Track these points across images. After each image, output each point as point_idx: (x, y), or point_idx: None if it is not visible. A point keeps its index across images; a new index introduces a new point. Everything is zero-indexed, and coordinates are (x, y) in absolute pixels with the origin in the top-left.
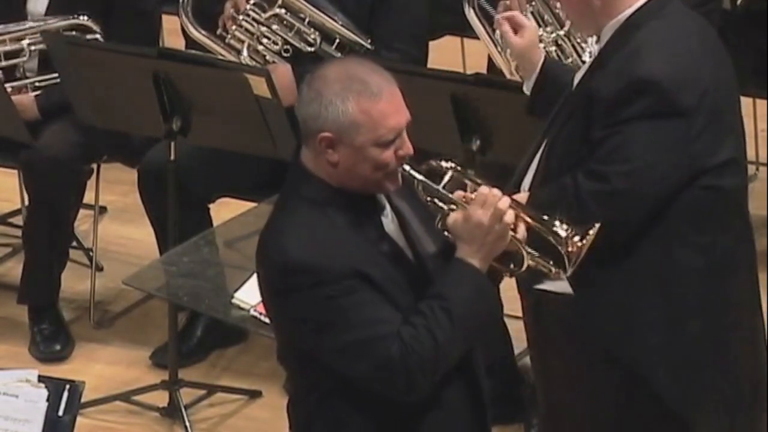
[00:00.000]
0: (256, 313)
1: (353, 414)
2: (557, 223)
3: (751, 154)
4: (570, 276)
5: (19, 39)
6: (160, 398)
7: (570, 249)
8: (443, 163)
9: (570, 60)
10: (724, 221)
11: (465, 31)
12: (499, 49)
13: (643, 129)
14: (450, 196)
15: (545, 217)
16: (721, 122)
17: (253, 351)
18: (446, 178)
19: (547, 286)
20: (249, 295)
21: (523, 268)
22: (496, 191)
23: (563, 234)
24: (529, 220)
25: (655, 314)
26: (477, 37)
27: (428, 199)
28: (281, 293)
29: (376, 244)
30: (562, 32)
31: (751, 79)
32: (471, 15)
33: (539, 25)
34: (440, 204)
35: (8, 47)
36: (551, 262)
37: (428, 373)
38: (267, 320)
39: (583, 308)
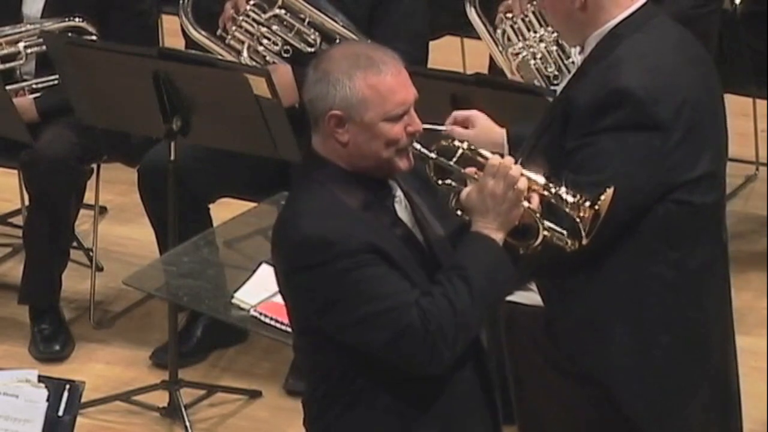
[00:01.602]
0: (256, 313)
1: (367, 398)
2: (565, 190)
3: (751, 154)
4: (585, 244)
5: (15, 42)
6: (160, 398)
7: (582, 214)
8: (455, 143)
9: (571, 60)
10: (697, 237)
11: (465, 31)
12: (500, 48)
13: (617, 140)
14: (462, 171)
15: (553, 186)
16: (698, 137)
17: (253, 351)
18: (457, 155)
19: (517, 297)
20: (249, 295)
21: (539, 241)
22: (507, 160)
23: (572, 200)
24: (539, 188)
25: (624, 330)
26: (477, 37)
27: (439, 182)
28: (299, 271)
29: (390, 228)
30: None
31: (751, 79)
32: (472, 14)
33: (540, 25)
34: (453, 183)
35: (4, 50)
36: (566, 234)
37: (449, 340)
38: (267, 320)
39: (553, 322)
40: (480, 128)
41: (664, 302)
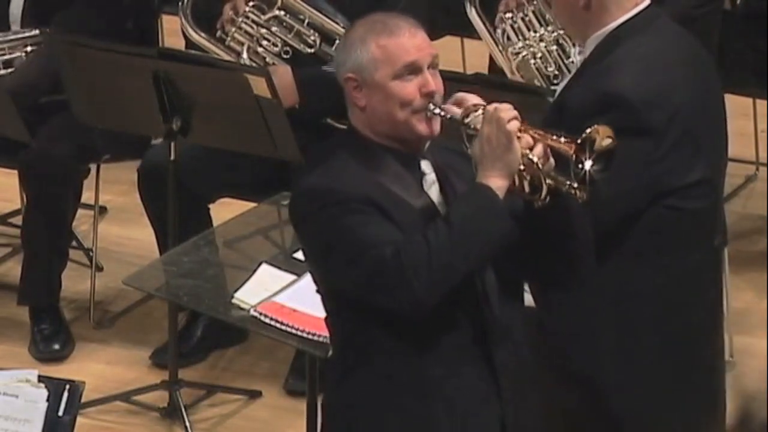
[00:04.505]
0: (256, 313)
1: (376, 350)
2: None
3: (751, 154)
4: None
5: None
6: (160, 398)
7: (569, 150)
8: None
9: (571, 59)
10: (688, 242)
11: (465, 31)
12: (501, 48)
13: None
14: (473, 127)
15: (549, 133)
16: (692, 143)
17: (253, 351)
18: (476, 114)
19: None
20: (249, 295)
21: (544, 191)
22: (504, 105)
23: (564, 140)
24: (539, 137)
25: (613, 332)
26: (477, 37)
27: (468, 149)
28: (299, 223)
29: (411, 198)
30: (563, 32)
31: (751, 79)
32: (473, 14)
33: (540, 24)
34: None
35: None
36: (575, 185)
37: (422, 274)
38: (267, 320)
39: (544, 323)
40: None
41: (652, 306)
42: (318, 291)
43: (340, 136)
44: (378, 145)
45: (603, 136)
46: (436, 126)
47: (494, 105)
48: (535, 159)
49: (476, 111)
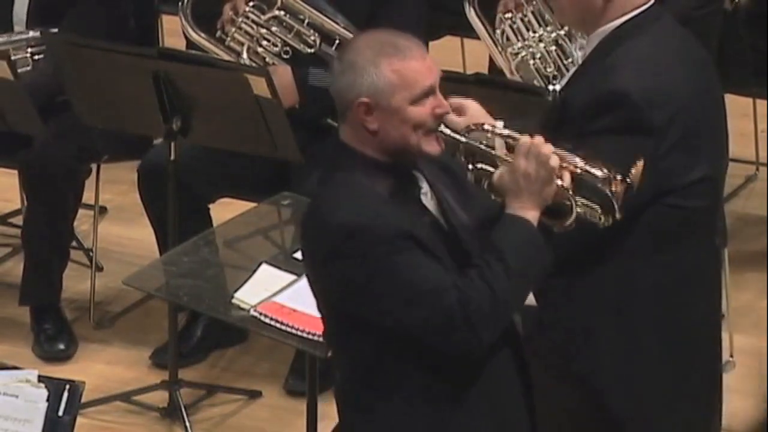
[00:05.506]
0: (256, 313)
1: (403, 384)
2: (595, 165)
3: (751, 154)
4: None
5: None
6: (160, 398)
7: (615, 188)
8: (485, 126)
9: (570, 60)
10: (688, 240)
11: (465, 31)
12: (500, 48)
13: (609, 142)
14: (492, 152)
15: (584, 162)
16: (694, 142)
17: (253, 351)
18: (487, 138)
19: None
20: (249, 295)
21: (572, 218)
22: (538, 138)
23: (604, 174)
24: (570, 165)
25: (612, 331)
26: (477, 37)
27: (470, 167)
28: (336, 258)
29: (419, 215)
30: (562, 32)
31: (751, 79)
32: (471, 14)
33: (540, 25)
34: (484, 167)
35: None
36: (599, 210)
37: (488, 320)
38: (267, 320)
39: (544, 321)
40: (470, 116)
41: (652, 306)
42: (327, 316)
43: (339, 156)
44: (379, 163)
45: (639, 172)
46: (442, 143)
47: (528, 139)
48: (566, 185)
49: (487, 133)
